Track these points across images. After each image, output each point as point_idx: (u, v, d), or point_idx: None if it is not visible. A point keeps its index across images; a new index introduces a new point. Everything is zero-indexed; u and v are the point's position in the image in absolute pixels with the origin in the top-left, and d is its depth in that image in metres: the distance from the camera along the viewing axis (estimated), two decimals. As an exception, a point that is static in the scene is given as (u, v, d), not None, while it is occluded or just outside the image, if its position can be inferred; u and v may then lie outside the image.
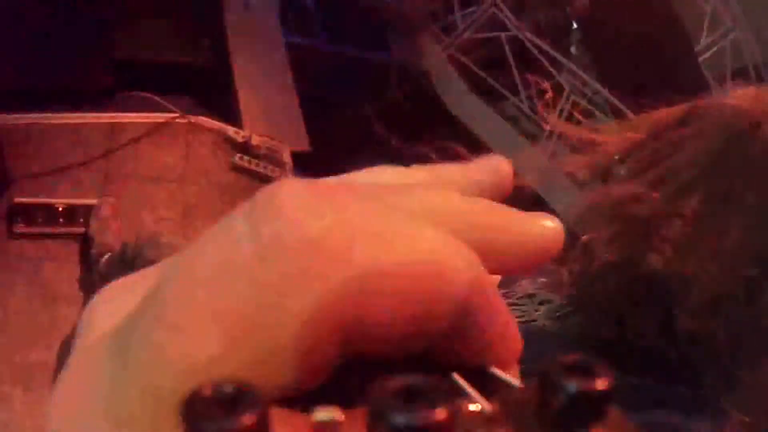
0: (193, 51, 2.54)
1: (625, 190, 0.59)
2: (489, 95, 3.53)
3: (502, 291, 0.70)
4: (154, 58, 2.40)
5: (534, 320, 0.66)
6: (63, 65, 2.16)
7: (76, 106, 2.18)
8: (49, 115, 2.13)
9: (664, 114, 0.64)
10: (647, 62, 3.13)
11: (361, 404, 0.15)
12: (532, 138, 3.37)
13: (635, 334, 0.53)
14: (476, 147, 3.44)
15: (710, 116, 0.59)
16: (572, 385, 0.13)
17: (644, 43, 3.23)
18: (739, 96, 0.59)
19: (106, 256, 1.87)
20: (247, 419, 0.11)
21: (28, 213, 2.06)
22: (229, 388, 0.12)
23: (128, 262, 1.55)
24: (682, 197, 0.54)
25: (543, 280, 0.71)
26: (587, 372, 0.13)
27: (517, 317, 0.62)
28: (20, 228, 2.05)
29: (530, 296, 0.68)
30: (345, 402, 0.14)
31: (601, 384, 0.13)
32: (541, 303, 0.67)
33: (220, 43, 2.57)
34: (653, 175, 0.57)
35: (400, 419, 0.12)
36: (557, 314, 0.64)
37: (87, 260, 2.01)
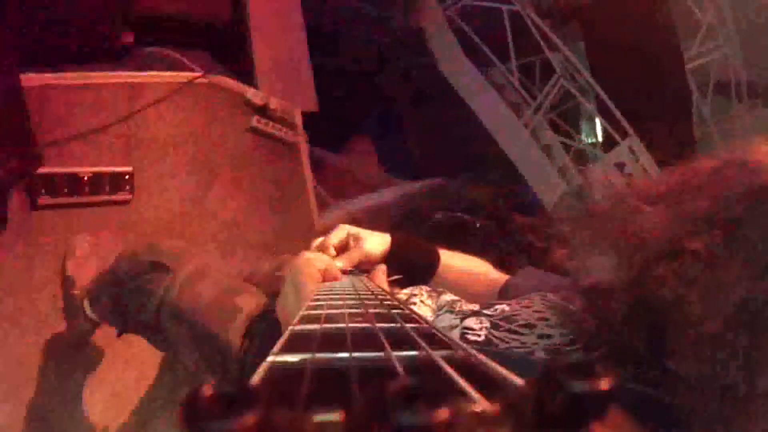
0: (211, 6, 2.36)
1: (641, 218, 0.60)
2: (481, 61, 3.58)
3: (505, 318, 0.73)
4: (174, 13, 2.20)
5: (531, 351, 0.66)
6: (81, 20, 1.94)
7: (95, 64, 1.98)
8: (68, 74, 1.93)
9: (696, 166, 0.64)
10: (636, 61, 3.29)
11: (361, 404, 0.15)
12: (515, 107, 3.50)
13: (629, 360, 0.53)
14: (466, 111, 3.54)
15: (736, 170, 0.60)
16: (573, 385, 0.13)
17: (637, 42, 3.36)
18: (764, 154, 0.60)
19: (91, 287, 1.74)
20: (247, 419, 0.12)
21: (51, 183, 1.89)
22: (229, 388, 0.13)
23: (126, 275, 1.41)
24: (696, 236, 0.55)
25: (545, 309, 0.72)
26: (588, 372, 0.13)
27: (516, 346, 0.65)
28: (44, 200, 1.89)
29: (531, 327, 0.69)
30: (345, 402, 0.15)
31: (601, 384, 0.13)
32: (540, 336, 0.67)
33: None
34: (673, 212, 0.59)
35: (400, 419, 0.12)
36: (555, 349, 0.64)
37: (67, 299, 1.86)
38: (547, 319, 0.69)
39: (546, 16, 3.61)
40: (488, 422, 0.13)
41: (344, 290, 0.56)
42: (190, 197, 2.25)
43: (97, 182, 1.98)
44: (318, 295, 0.51)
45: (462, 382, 0.17)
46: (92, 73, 1.98)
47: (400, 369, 0.20)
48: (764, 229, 0.53)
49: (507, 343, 0.69)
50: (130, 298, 1.35)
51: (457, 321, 0.77)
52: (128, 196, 2.08)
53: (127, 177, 2.06)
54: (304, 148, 2.62)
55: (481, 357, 0.21)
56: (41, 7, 1.79)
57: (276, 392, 0.18)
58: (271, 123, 2.48)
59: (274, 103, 2.46)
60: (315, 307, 0.39)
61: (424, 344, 0.23)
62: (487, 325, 0.73)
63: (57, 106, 1.92)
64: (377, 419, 0.12)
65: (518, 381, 0.16)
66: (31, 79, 1.81)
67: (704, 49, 3.87)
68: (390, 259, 0.98)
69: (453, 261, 1.07)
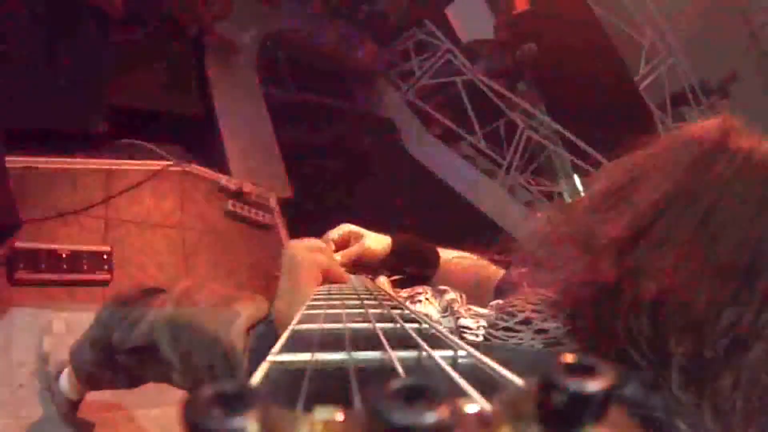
0: (180, 101, 2.61)
1: (593, 219, 0.61)
2: (447, 136, 3.80)
3: (503, 316, 0.71)
4: (146, 106, 2.44)
5: (531, 346, 0.66)
6: (59, 110, 2.16)
7: (72, 151, 2.16)
8: (48, 159, 2.09)
9: (637, 155, 0.66)
10: (591, 96, 3.51)
11: (360, 404, 0.15)
12: (490, 173, 3.65)
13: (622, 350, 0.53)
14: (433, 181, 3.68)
15: (676, 143, 0.62)
16: (572, 385, 0.13)
17: (588, 79, 3.62)
18: (703, 123, 0.63)
19: (65, 370, 1.76)
20: (248, 419, 0.12)
21: (30, 259, 1.96)
22: (229, 388, 0.13)
23: (113, 309, 1.39)
24: (653, 221, 0.55)
25: (539, 301, 0.71)
26: (588, 372, 0.13)
27: (515, 343, 0.67)
28: (22, 274, 1.94)
29: (527, 323, 0.69)
30: (345, 402, 0.15)
31: (601, 383, 0.13)
32: (537, 331, 0.67)
33: (204, 93, 2.66)
34: (623, 206, 0.59)
35: (399, 419, 0.12)
36: (552, 341, 0.64)
37: (42, 376, 1.87)
38: (541, 312, 0.69)
39: (499, 76, 3.87)
40: (488, 422, 0.14)
41: (344, 291, 0.57)
42: (170, 278, 2.29)
43: (76, 260, 2.04)
44: (317, 295, 0.52)
45: (462, 382, 0.17)
46: (70, 158, 2.14)
47: (400, 369, 0.20)
48: (719, 191, 0.55)
49: (505, 341, 0.69)
50: (118, 326, 1.32)
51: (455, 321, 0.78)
52: (107, 276, 2.13)
53: (105, 256, 2.12)
54: (282, 230, 2.71)
55: (482, 357, 0.21)
56: (20, 93, 1.99)
57: (276, 391, 0.18)
58: (246, 207, 2.59)
59: (248, 188, 2.60)
60: (314, 307, 0.39)
61: (424, 344, 0.23)
62: (484, 324, 0.74)
63: (37, 187, 2.05)
64: (377, 419, 0.12)
65: (518, 381, 0.17)
66: (12, 160, 1.97)
67: (651, 66, 4.08)
68: (392, 260, 1.00)
69: (452, 259, 1.09)
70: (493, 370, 0.19)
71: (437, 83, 3.92)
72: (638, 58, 4.12)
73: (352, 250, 0.95)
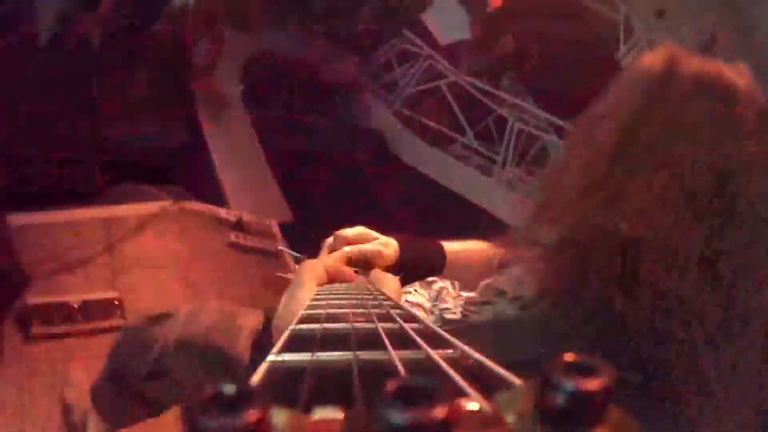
0: (171, 138, 2.65)
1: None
2: (439, 140, 3.84)
3: (482, 292, 0.74)
4: (137, 147, 2.48)
5: (509, 314, 0.68)
6: (56, 168, 2.20)
7: (70, 203, 2.21)
8: (48, 214, 2.14)
9: (595, 103, 0.68)
10: (576, 80, 3.52)
11: (361, 404, 0.16)
12: (485, 170, 3.67)
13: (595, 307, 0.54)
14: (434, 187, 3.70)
15: (625, 81, 0.63)
16: (572, 385, 0.13)
17: (570, 64, 3.64)
18: (647, 55, 0.64)
19: (90, 416, 1.78)
20: (247, 419, 0.12)
21: (43, 313, 2.00)
22: (229, 388, 0.13)
23: (123, 338, 1.43)
24: (611, 166, 0.56)
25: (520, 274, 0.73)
26: (587, 371, 0.13)
27: (492, 314, 0.69)
28: (37, 330, 1.98)
29: (502, 294, 0.71)
30: (345, 402, 0.15)
31: (601, 383, 0.13)
32: (511, 300, 0.69)
33: (194, 127, 2.70)
34: (583, 159, 0.60)
35: (399, 419, 0.12)
36: (527, 305, 0.66)
37: (70, 428, 1.89)
38: (521, 283, 0.71)
39: (481, 74, 3.89)
40: (486, 421, 0.14)
41: (344, 290, 0.57)
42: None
43: (88, 310, 2.08)
44: (318, 295, 0.52)
45: (461, 381, 0.17)
46: (70, 211, 2.19)
47: (401, 368, 0.20)
48: (675, 118, 0.56)
49: (480, 314, 0.71)
50: (132, 355, 1.35)
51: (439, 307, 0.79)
52: (121, 321, 2.16)
53: (116, 302, 2.16)
54: (288, 256, 2.73)
55: (482, 358, 0.21)
56: (20, 156, 2.04)
57: (276, 391, 0.18)
58: (248, 237, 2.62)
59: (247, 218, 2.63)
60: (315, 307, 0.39)
61: (422, 343, 0.24)
62: (462, 302, 0.76)
63: (41, 242, 2.10)
64: (376, 419, 0.12)
65: (517, 380, 0.17)
66: (13, 218, 2.02)
67: (630, 44, 4.07)
68: (400, 265, 0.98)
69: (456, 251, 1.08)
70: (493, 369, 0.19)
71: (423, 90, 3.95)
72: (617, 37, 4.11)
73: (366, 247, 0.92)
